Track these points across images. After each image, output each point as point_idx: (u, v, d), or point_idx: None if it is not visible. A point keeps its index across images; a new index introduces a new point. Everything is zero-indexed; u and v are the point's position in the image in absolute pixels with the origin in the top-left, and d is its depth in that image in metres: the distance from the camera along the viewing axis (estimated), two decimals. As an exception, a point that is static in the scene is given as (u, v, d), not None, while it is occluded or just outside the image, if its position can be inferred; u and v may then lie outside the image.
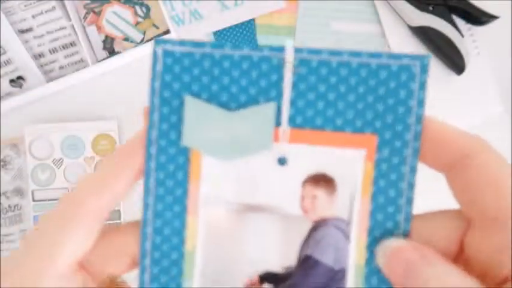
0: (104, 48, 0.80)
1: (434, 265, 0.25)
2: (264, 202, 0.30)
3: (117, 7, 0.79)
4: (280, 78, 0.29)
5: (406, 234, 0.30)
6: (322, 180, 0.30)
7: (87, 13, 0.79)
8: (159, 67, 0.29)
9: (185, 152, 0.30)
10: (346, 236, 0.30)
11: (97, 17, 0.79)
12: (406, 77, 0.29)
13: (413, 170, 0.30)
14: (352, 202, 0.30)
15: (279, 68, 0.29)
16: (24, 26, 0.79)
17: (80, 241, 0.28)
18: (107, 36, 0.79)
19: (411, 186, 0.30)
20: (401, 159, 0.29)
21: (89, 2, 0.78)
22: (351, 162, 0.30)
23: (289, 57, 0.29)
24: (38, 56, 0.80)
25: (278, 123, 0.30)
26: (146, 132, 0.30)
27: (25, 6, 0.78)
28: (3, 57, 0.79)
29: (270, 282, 0.31)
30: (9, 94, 0.79)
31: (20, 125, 0.78)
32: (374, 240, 0.30)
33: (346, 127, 0.30)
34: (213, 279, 0.30)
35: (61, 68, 0.81)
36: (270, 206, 0.30)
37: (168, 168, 0.30)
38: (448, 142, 0.28)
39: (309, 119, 0.30)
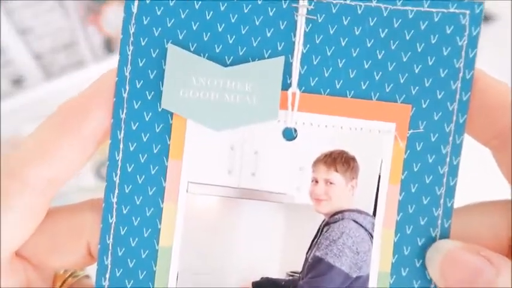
0: (104, 48, 0.73)
1: (506, 270, 0.18)
2: (264, 186, 0.21)
3: (117, 7, 0.72)
4: (291, 28, 0.20)
5: (445, 234, 0.20)
6: (339, 160, 0.21)
7: (87, 13, 0.72)
8: (135, 7, 0.20)
9: (165, 118, 0.20)
10: (369, 234, 0.21)
11: (97, 17, 0.72)
12: (452, 29, 0.20)
13: (457, 151, 0.20)
14: (377, 190, 0.21)
15: (290, 14, 0.20)
16: (24, 26, 0.72)
17: (15, 224, 0.19)
18: (107, 36, 0.73)
19: (454, 171, 0.20)
20: (442, 137, 0.20)
21: (89, 2, 0.72)
22: (376, 140, 0.20)
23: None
24: (38, 56, 0.74)
25: (286, 85, 0.20)
26: (114, 90, 0.20)
27: (25, 6, 0.70)
28: (3, 58, 0.72)
29: None
30: (9, 94, 0.73)
31: (20, 125, 0.71)
32: (403, 240, 0.21)
33: (373, 94, 0.21)
34: (193, 286, 0.20)
35: (61, 68, 0.74)
36: (272, 192, 0.21)
37: (141, 139, 0.20)
38: (499, 107, 0.20)
39: (326, 81, 0.20)
